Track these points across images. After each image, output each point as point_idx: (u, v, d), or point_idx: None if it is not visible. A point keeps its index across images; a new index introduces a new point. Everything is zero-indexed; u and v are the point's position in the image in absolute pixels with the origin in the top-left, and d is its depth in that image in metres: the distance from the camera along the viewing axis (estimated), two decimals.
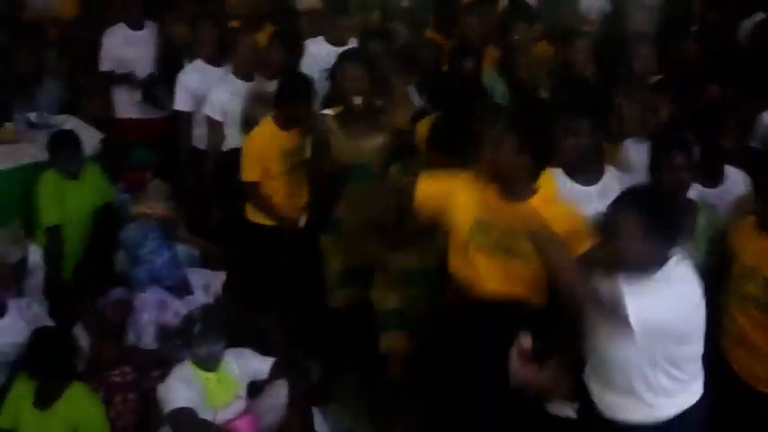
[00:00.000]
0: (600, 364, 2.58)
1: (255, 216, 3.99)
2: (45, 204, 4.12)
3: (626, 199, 2.46)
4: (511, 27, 4.53)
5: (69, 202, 4.17)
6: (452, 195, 2.83)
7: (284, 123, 3.86)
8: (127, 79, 5.01)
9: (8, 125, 4.56)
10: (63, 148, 4.17)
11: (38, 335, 3.31)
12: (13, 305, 3.62)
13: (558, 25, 4.80)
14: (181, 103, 4.65)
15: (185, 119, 4.66)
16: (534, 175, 2.74)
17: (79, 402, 3.24)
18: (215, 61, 4.64)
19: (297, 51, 4.54)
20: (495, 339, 2.74)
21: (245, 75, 4.42)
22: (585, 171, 3.15)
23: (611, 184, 3.08)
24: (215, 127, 4.43)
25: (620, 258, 2.39)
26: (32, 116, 4.72)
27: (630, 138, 3.60)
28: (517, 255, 2.73)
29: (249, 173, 3.90)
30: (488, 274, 2.78)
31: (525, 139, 2.68)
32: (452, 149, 3.21)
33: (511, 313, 2.75)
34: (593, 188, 3.11)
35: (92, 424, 3.25)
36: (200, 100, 4.55)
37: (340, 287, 3.72)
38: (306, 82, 3.90)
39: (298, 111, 3.79)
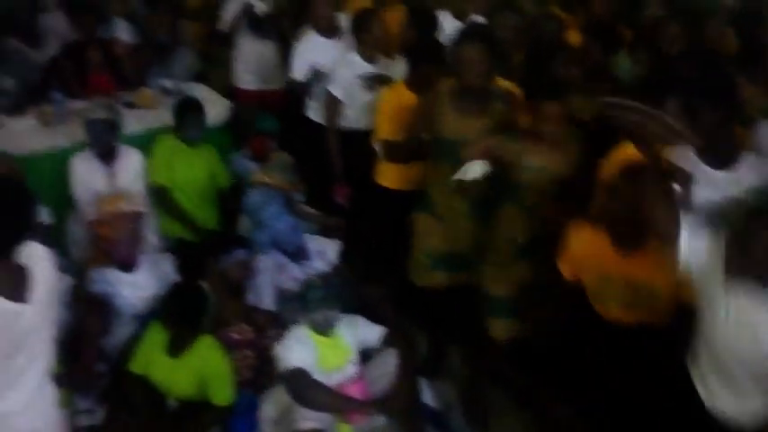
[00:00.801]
0: (725, 364, 2.51)
1: (386, 179, 4.04)
2: (155, 164, 4.26)
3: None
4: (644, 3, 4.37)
5: (179, 168, 4.29)
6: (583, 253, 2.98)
7: (416, 86, 3.89)
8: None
9: (145, 90, 4.80)
10: (187, 114, 4.32)
11: (176, 288, 3.50)
12: (144, 261, 3.86)
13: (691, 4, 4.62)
14: (296, 71, 4.71)
15: (301, 89, 4.73)
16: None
17: (208, 353, 3.42)
18: (327, 33, 4.67)
19: (432, 28, 4.53)
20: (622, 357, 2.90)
21: (372, 57, 4.43)
22: (716, 154, 3.01)
23: (747, 173, 2.94)
24: (335, 104, 4.47)
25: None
26: (166, 83, 4.94)
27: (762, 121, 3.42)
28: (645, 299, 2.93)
29: (383, 130, 3.95)
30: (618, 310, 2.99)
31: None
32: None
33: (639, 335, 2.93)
34: (726, 174, 2.97)
35: (218, 374, 3.42)
36: (314, 72, 4.61)
37: (436, 269, 3.72)
38: (439, 46, 3.88)
39: (429, 73, 3.79)
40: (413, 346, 3.50)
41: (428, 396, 3.59)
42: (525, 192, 3.37)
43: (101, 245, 3.89)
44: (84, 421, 3.43)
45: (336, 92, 4.44)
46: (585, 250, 3.04)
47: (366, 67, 4.39)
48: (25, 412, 2.19)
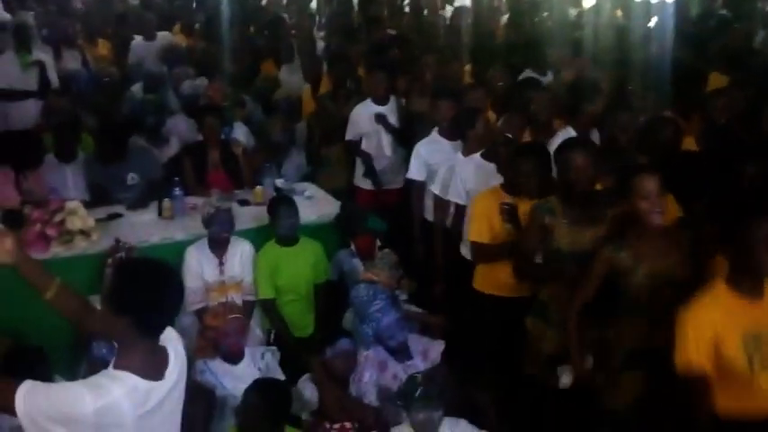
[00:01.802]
0: None
1: (483, 286, 4.00)
2: (260, 278, 4.34)
3: None
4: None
5: (284, 269, 4.36)
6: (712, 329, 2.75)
7: (511, 189, 3.89)
8: (364, 156, 5.40)
9: (258, 188, 4.99)
10: (280, 209, 4.42)
11: (257, 385, 3.45)
12: (248, 353, 3.89)
13: None
14: (414, 172, 4.85)
15: (418, 188, 4.84)
16: None
17: None
18: (450, 135, 4.78)
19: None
20: None
21: (473, 152, 4.48)
22: None
23: None
24: (441, 203, 4.56)
25: None
26: (279, 182, 5.12)
27: None
28: None
29: (477, 233, 3.94)
30: None
31: None
32: None
33: None
34: None
35: None
36: (432, 172, 4.73)
37: (551, 371, 3.59)
38: (543, 154, 3.89)
39: (525, 179, 3.80)
40: None
41: None
42: (639, 298, 3.24)
43: (208, 335, 3.96)
44: None
45: (438, 191, 4.52)
46: (716, 321, 2.77)
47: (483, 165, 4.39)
48: None
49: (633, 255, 3.22)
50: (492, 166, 4.23)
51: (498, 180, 4.08)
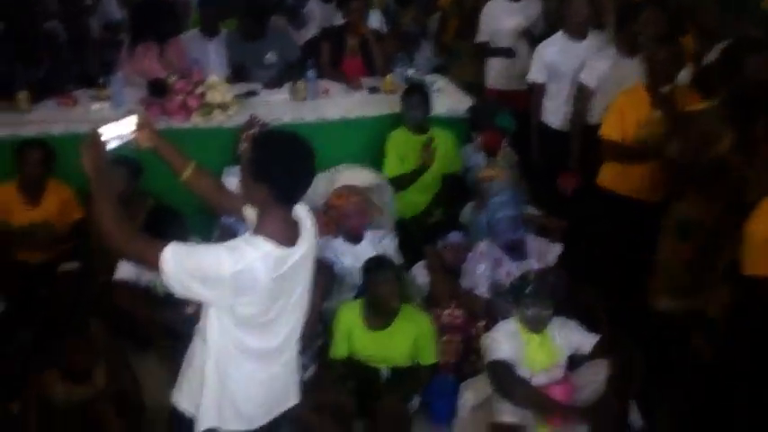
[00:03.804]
0: None
1: (611, 183, 3.93)
2: (389, 159, 4.46)
3: None
4: None
5: (413, 157, 4.44)
6: None
7: (653, 91, 3.75)
8: (503, 53, 5.27)
9: (389, 77, 5.02)
10: (413, 98, 4.49)
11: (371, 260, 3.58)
12: (368, 235, 4.03)
13: None
14: (535, 74, 4.76)
15: (538, 90, 4.77)
16: None
17: (414, 317, 3.52)
18: (576, 35, 4.64)
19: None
20: None
21: (631, 52, 4.32)
22: None
23: None
24: (584, 93, 4.47)
25: None
26: (409, 72, 5.12)
27: None
28: None
29: (609, 129, 3.84)
30: None
31: None
32: None
33: None
34: None
35: (426, 335, 3.51)
36: (554, 73, 4.64)
37: (672, 294, 3.49)
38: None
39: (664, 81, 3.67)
40: (627, 362, 3.32)
41: (636, 418, 3.40)
42: None
43: (331, 213, 4.11)
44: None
45: (590, 82, 4.41)
46: None
47: (627, 62, 4.28)
48: (287, 349, 2.38)
49: None
50: (630, 64, 4.08)
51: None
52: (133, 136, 2.38)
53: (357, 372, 3.54)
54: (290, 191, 2.21)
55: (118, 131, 2.32)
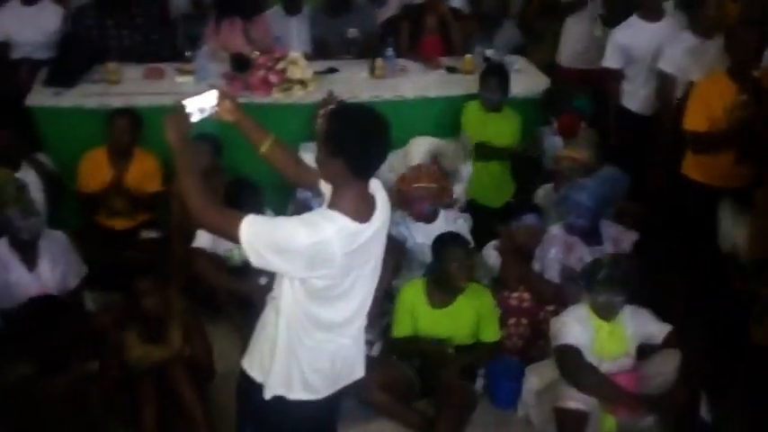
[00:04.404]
0: None
1: (694, 172, 3.83)
2: (467, 130, 4.51)
3: None
4: None
5: (486, 132, 4.49)
6: None
7: (738, 75, 3.63)
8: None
9: (468, 57, 4.98)
10: (490, 79, 4.50)
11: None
12: (442, 214, 4.04)
13: None
14: (610, 59, 4.68)
15: (614, 76, 4.70)
16: None
17: (476, 294, 3.51)
18: (650, 16, 4.55)
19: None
20: None
21: (705, 33, 4.24)
22: None
23: None
24: (667, 81, 4.37)
25: None
26: (488, 52, 5.07)
27: None
28: None
29: (694, 120, 3.73)
30: None
31: None
32: None
33: None
34: None
35: (489, 312, 3.51)
36: (629, 57, 4.58)
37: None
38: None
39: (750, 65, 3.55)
40: (699, 353, 3.25)
41: (704, 410, 3.32)
42: None
43: (401, 197, 4.12)
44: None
45: (668, 68, 4.32)
46: None
47: (698, 44, 4.21)
48: (356, 321, 2.43)
49: None
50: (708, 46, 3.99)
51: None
52: (215, 109, 2.44)
53: (422, 349, 3.56)
54: (364, 165, 2.23)
55: (200, 104, 2.38)
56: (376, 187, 2.36)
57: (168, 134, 2.26)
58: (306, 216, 2.25)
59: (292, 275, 2.24)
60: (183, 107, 2.33)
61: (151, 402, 3.16)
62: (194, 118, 2.36)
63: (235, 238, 2.17)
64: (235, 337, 3.69)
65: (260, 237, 2.16)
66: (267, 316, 2.43)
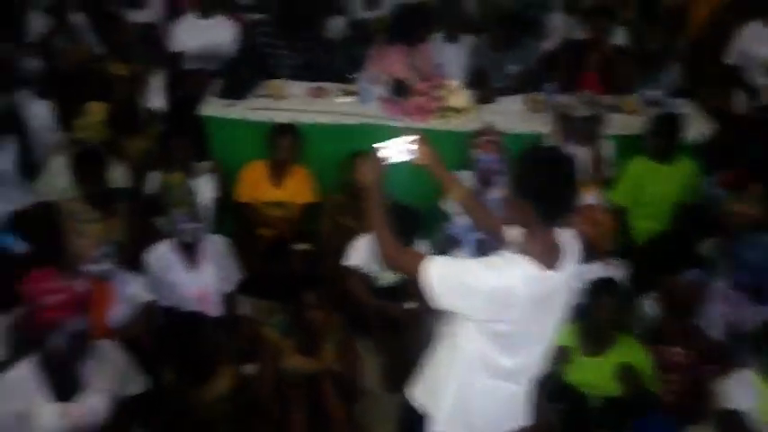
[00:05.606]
0: None
1: None
2: (622, 184, 4.33)
3: None
4: None
5: (648, 186, 4.28)
6: None
7: None
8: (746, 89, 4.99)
9: (632, 97, 4.84)
10: (662, 129, 4.28)
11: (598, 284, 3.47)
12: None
13: None
14: None
15: None
16: None
17: (630, 348, 3.40)
18: None
19: None
20: None
21: None
22: None
23: None
24: None
25: None
26: (653, 94, 4.91)
27: None
28: None
29: None
30: None
31: None
32: None
33: None
34: None
35: (645, 366, 3.39)
36: None
37: None
38: None
39: None
40: None
41: None
42: None
43: None
44: None
45: None
46: None
47: None
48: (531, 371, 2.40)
49: None
50: None
51: None
52: (412, 155, 2.47)
53: (567, 395, 3.45)
54: (552, 210, 2.19)
55: (397, 148, 2.43)
56: (567, 236, 2.30)
57: (365, 177, 2.35)
58: (489, 259, 2.23)
59: (473, 318, 2.23)
60: (380, 151, 2.38)
61: (301, 411, 3.22)
62: (392, 160, 2.41)
63: (421, 280, 2.19)
64: (380, 359, 3.71)
65: (446, 279, 2.18)
66: (442, 350, 2.41)
